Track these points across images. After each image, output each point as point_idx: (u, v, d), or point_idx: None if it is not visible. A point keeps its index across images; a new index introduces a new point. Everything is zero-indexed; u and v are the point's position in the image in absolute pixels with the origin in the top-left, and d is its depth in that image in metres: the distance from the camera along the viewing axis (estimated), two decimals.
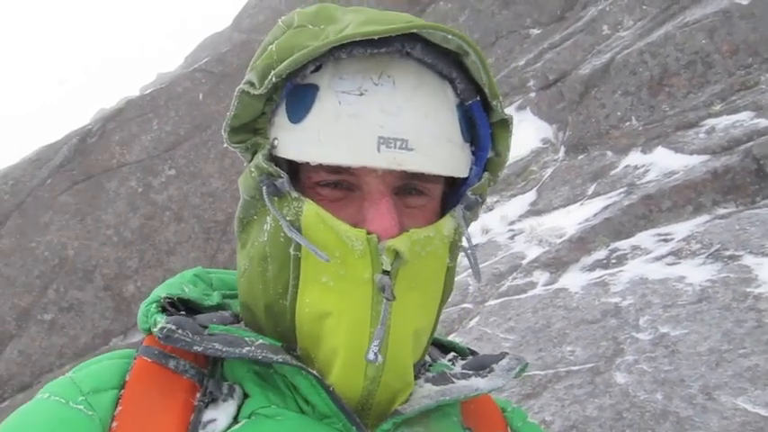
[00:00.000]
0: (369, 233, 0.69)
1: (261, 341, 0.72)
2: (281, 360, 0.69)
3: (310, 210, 0.69)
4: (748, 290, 3.04)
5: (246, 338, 0.71)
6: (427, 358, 0.86)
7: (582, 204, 4.81)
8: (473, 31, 8.68)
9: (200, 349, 0.69)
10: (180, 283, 0.82)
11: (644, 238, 3.99)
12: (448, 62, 0.73)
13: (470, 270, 0.80)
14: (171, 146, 8.59)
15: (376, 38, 0.68)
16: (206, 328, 0.73)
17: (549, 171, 5.71)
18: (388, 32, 0.67)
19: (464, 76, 0.74)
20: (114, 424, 0.68)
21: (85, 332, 7.47)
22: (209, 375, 0.73)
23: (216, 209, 8.27)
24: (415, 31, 0.69)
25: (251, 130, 0.75)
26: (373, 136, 0.68)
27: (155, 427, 0.68)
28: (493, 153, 0.78)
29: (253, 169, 0.72)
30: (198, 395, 0.71)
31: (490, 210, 5.47)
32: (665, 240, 3.84)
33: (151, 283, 7.68)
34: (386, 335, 0.69)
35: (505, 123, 0.77)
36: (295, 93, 0.72)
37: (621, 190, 4.66)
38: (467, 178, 0.77)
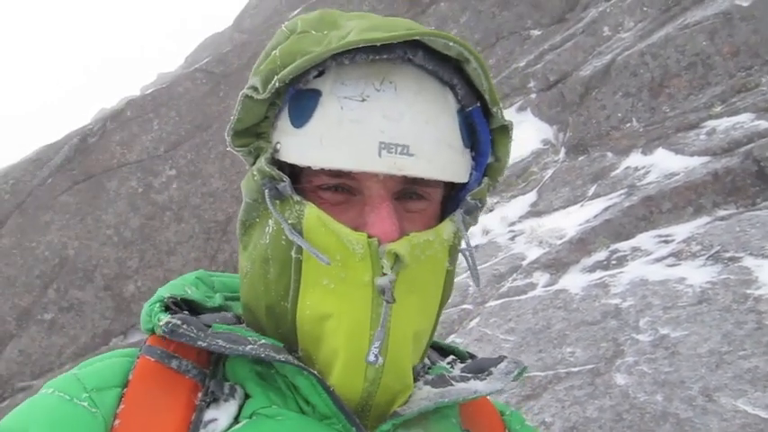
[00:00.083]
0: (369, 237, 0.70)
1: (263, 341, 0.73)
2: (282, 359, 0.70)
3: (312, 213, 0.70)
4: (748, 291, 3.04)
5: (249, 338, 0.72)
6: (426, 361, 0.86)
7: (582, 206, 4.81)
8: (474, 32, 8.68)
9: (204, 345, 0.70)
10: (182, 285, 0.83)
11: (644, 239, 3.99)
12: (449, 69, 0.74)
13: (470, 271, 0.81)
14: (171, 146, 8.60)
15: (378, 44, 0.68)
16: (209, 327, 0.74)
17: (550, 172, 5.71)
18: (390, 39, 0.68)
19: (465, 83, 0.75)
20: (117, 422, 0.68)
21: (85, 332, 7.47)
22: (211, 375, 0.74)
23: (216, 209, 8.27)
24: (416, 37, 0.70)
25: (254, 134, 0.75)
26: (375, 141, 0.69)
27: (157, 425, 0.68)
28: (493, 158, 0.79)
29: (255, 173, 0.73)
30: (200, 395, 0.72)
31: (490, 211, 5.47)
32: (666, 242, 3.84)
33: (151, 283, 7.68)
34: (386, 337, 0.70)
35: (505, 129, 0.78)
36: (298, 98, 0.73)
37: (622, 191, 4.66)
38: (467, 183, 0.78)
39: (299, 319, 0.73)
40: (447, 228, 0.75)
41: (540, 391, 2.94)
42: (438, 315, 0.80)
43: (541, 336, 3.37)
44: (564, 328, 3.36)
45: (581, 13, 7.73)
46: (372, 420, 0.74)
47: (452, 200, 0.80)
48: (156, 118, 8.78)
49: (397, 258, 0.69)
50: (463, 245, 0.78)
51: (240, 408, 0.71)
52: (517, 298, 3.90)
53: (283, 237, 0.72)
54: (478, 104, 0.76)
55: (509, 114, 6.50)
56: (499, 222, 5.24)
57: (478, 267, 0.81)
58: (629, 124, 5.62)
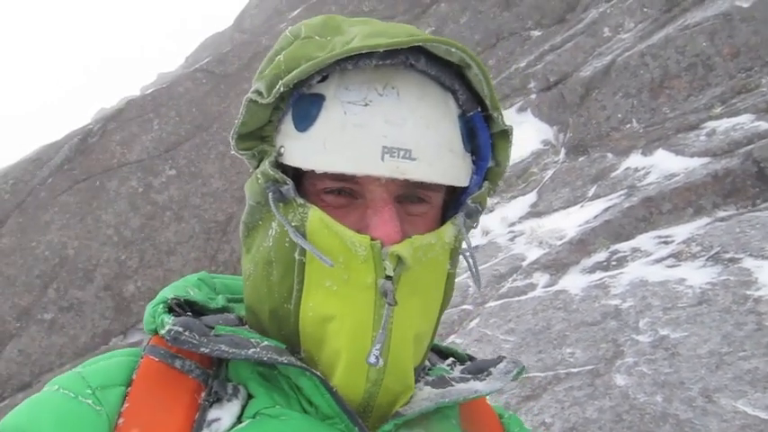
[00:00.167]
0: (372, 239, 0.70)
1: (266, 343, 0.73)
2: (285, 361, 0.71)
3: (315, 216, 0.71)
4: (748, 293, 3.04)
5: (252, 340, 0.73)
6: (427, 362, 0.87)
7: (582, 206, 4.82)
8: (474, 32, 8.68)
9: (206, 351, 0.70)
10: (184, 286, 0.83)
11: (644, 240, 3.99)
12: (450, 74, 0.75)
13: (471, 274, 0.82)
14: (171, 146, 8.60)
15: (382, 50, 0.69)
16: (212, 328, 0.75)
17: (550, 173, 5.71)
18: (393, 45, 0.69)
19: (466, 88, 0.76)
20: (121, 420, 0.69)
21: (85, 332, 7.47)
22: (214, 376, 0.75)
23: (216, 209, 8.27)
24: (419, 44, 0.71)
25: (258, 137, 0.76)
26: (377, 145, 0.70)
27: (160, 424, 0.69)
28: (493, 163, 0.80)
29: (259, 176, 0.74)
30: (203, 394, 0.72)
31: (491, 211, 5.47)
32: (666, 243, 3.85)
33: (151, 283, 7.68)
34: (387, 339, 0.71)
35: (505, 134, 0.79)
36: (301, 102, 0.74)
37: (622, 192, 4.66)
38: (467, 187, 0.79)
39: (301, 320, 0.74)
40: (448, 231, 0.76)
41: (540, 392, 2.94)
42: (439, 317, 0.81)
43: (541, 336, 3.37)
44: (564, 328, 3.36)
45: (581, 13, 7.74)
46: (374, 420, 0.74)
47: (453, 203, 0.81)
48: (156, 118, 8.78)
49: (399, 260, 0.70)
50: (465, 248, 0.79)
51: (243, 408, 0.72)
52: (517, 299, 3.90)
53: (287, 239, 0.73)
54: (479, 109, 0.77)
55: (509, 115, 6.50)
56: (499, 223, 5.24)
57: (479, 268, 0.82)
58: (629, 125, 5.62)
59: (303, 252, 0.72)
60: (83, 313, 7.54)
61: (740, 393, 2.49)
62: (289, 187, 0.72)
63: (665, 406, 2.56)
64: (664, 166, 4.70)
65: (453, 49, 0.71)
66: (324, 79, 0.73)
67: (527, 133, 6.34)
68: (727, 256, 3.39)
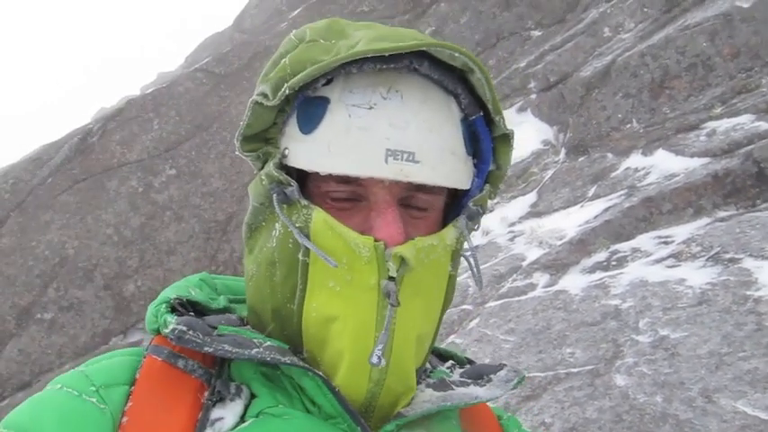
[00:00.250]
0: (376, 240, 0.71)
1: (269, 343, 0.74)
2: (288, 362, 0.71)
3: (319, 217, 0.72)
4: (748, 293, 3.04)
5: (255, 340, 0.74)
6: (428, 365, 0.88)
7: (582, 206, 4.81)
8: (474, 32, 8.68)
9: (210, 350, 0.71)
10: (186, 287, 0.84)
11: (644, 240, 3.99)
12: (453, 78, 0.76)
13: (470, 272, 0.82)
14: (171, 145, 8.59)
15: (387, 54, 0.70)
16: (215, 328, 0.76)
17: (550, 173, 5.71)
18: (398, 49, 0.70)
19: (468, 92, 0.77)
20: (124, 419, 0.69)
21: (85, 331, 7.47)
22: (217, 375, 0.76)
23: (216, 209, 8.27)
24: (423, 48, 0.72)
25: (262, 139, 0.77)
26: (381, 148, 0.71)
27: (164, 423, 0.69)
28: (494, 166, 0.81)
29: (263, 177, 0.75)
30: (206, 394, 0.73)
31: (490, 211, 5.47)
32: (666, 243, 3.85)
33: (151, 282, 7.68)
34: (390, 339, 0.72)
35: (506, 138, 0.80)
36: (306, 105, 0.74)
37: (622, 192, 4.66)
38: (468, 190, 0.79)
39: (304, 321, 0.74)
40: (450, 233, 0.77)
41: (540, 392, 2.94)
42: (440, 318, 0.82)
43: (541, 336, 3.37)
44: (564, 328, 3.36)
45: (581, 13, 7.73)
46: (376, 421, 0.75)
47: (454, 206, 0.81)
48: (156, 117, 8.78)
49: (402, 262, 0.71)
50: (467, 249, 0.80)
51: (246, 407, 0.73)
52: (517, 299, 3.90)
53: (290, 240, 0.73)
54: (481, 113, 0.78)
55: (509, 115, 6.50)
56: (499, 223, 5.24)
57: (469, 258, 0.83)
58: (629, 125, 5.62)
59: (307, 253, 0.73)
60: (83, 313, 7.54)
61: (740, 394, 2.49)
62: (293, 189, 0.73)
63: (665, 406, 2.56)
64: (664, 166, 4.70)
65: (457, 54, 0.72)
66: (328, 82, 0.73)
67: (527, 133, 6.34)
68: (728, 256, 3.39)
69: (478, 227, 0.81)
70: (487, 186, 0.80)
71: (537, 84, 6.88)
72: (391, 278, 0.71)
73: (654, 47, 5.79)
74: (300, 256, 0.73)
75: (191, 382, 0.73)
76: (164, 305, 0.77)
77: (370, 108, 0.72)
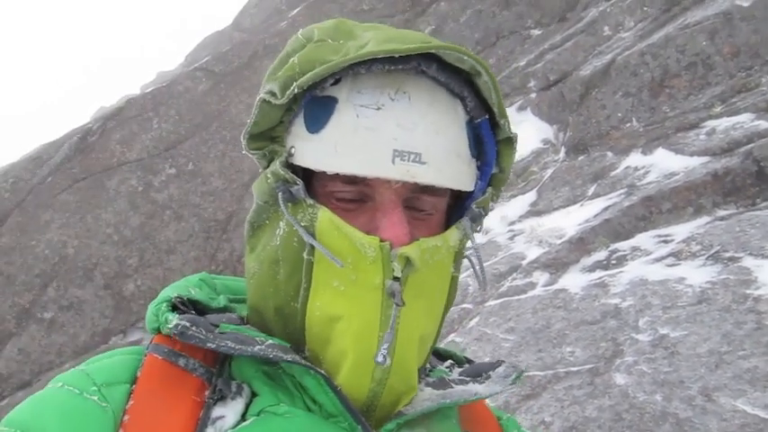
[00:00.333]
0: (381, 241, 0.72)
1: (271, 341, 0.74)
2: (290, 359, 0.71)
3: (325, 216, 0.72)
4: (748, 292, 3.04)
5: (257, 338, 0.74)
6: (427, 364, 0.89)
7: (582, 205, 4.81)
8: (474, 31, 8.68)
9: (213, 346, 0.71)
10: (186, 286, 0.84)
11: (644, 239, 3.99)
12: (460, 81, 0.76)
13: (470, 271, 0.83)
14: (171, 145, 8.59)
15: (396, 56, 0.71)
16: (217, 326, 0.76)
17: (550, 172, 5.71)
18: (408, 51, 0.71)
19: (474, 95, 0.77)
20: (126, 417, 0.69)
21: (85, 330, 7.47)
22: (218, 374, 0.76)
23: (216, 208, 8.27)
24: (432, 50, 0.72)
25: (269, 137, 0.77)
26: (388, 149, 0.71)
27: (165, 421, 0.70)
28: (497, 169, 0.81)
29: (269, 175, 0.75)
30: (207, 393, 0.73)
31: (490, 210, 5.46)
32: (665, 242, 3.85)
33: (151, 281, 7.68)
34: (393, 339, 0.72)
35: (510, 141, 0.81)
36: (314, 104, 0.75)
37: (622, 191, 4.66)
38: (472, 192, 0.80)
39: (308, 319, 0.75)
40: (454, 234, 0.78)
41: (540, 391, 2.94)
42: (442, 319, 0.82)
43: (541, 335, 3.37)
44: (563, 327, 3.36)
45: (581, 12, 7.73)
46: (377, 420, 0.75)
47: (456, 208, 0.82)
48: (155, 117, 8.78)
49: (407, 262, 0.71)
50: (472, 252, 0.81)
51: (247, 406, 0.73)
52: (517, 297, 3.90)
53: (295, 238, 0.74)
54: (486, 116, 0.79)
55: (509, 114, 6.47)
56: (499, 222, 5.24)
57: (473, 260, 0.84)
58: (628, 124, 5.62)
59: (312, 252, 0.73)
60: (82, 312, 7.54)
61: (740, 392, 2.49)
62: (299, 187, 0.73)
63: (665, 405, 2.56)
64: (663, 164, 4.70)
65: (465, 57, 0.73)
66: (336, 82, 0.73)
67: (527, 132, 6.33)
68: (727, 255, 3.39)
69: (481, 228, 0.82)
70: (490, 189, 0.81)
71: (537, 83, 6.88)
72: (396, 278, 0.71)
73: (654, 46, 5.79)
74: (305, 255, 0.73)
75: (191, 381, 0.74)
76: (164, 304, 0.77)
77: (378, 109, 0.72)
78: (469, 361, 0.94)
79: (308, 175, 0.76)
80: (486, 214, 0.81)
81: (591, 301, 3.51)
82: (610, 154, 5.36)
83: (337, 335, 0.73)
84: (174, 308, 0.78)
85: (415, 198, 0.76)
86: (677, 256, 3.61)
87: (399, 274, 0.71)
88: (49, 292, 7.56)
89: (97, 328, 7.51)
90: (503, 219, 5.25)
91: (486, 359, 3.34)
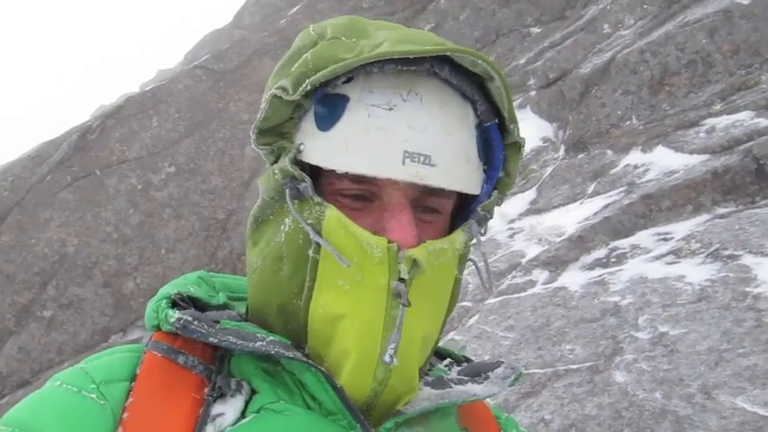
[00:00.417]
0: (389, 242, 0.72)
1: (271, 338, 0.74)
2: (291, 356, 0.71)
3: (332, 215, 0.72)
4: (747, 289, 3.04)
5: (258, 334, 0.74)
6: (426, 364, 0.88)
7: (582, 203, 4.82)
8: (474, 29, 8.67)
9: (214, 341, 0.71)
10: (185, 284, 0.84)
11: (644, 237, 4.00)
12: (471, 84, 0.76)
13: (470, 268, 0.83)
14: (171, 143, 8.59)
15: (411, 57, 0.71)
16: (217, 323, 0.76)
17: (549, 170, 5.71)
18: (424, 53, 0.71)
19: (485, 99, 0.77)
20: (125, 414, 0.69)
21: (85, 329, 7.47)
22: (217, 371, 0.76)
23: (216, 206, 8.26)
24: (448, 53, 0.72)
25: (277, 133, 0.77)
26: (399, 150, 0.71)
27: (165, 419, 0.69)
28: (503, 173, 0.81)
29: (277, 171, 0.74)
30: (206, 390, 0.73)
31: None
32: (665, 240, 3.85)
33: (151, 280, 7.68)
34: (399, 339, 0.72)
35: (517, 146, 0.80)
36: (325, 101, 0.74)
37: (621, 189, 4.66)
38: (477, 195, 0.80)
39: (311, 317, 0.74)
40: (459, 237, 0.77)
41: (540, 389, 2.94)
42: (444, 321, 0.82)
43: (541, 333, 3.37)
44: (563, 325, 3.36)
45: (581, 10, 7.72)
46: (376, 418, 0.75)
47: (461, 211, 0.82)
48: (155, 115, 8.77)
49: (414, 264, 0.71)
50: (479, 257, 0.82)
51: (246, 403, 0.73)
52: (516, 295, 3.91)
53: (300, 236, 0.74)
54: (496, 121, 0.79)
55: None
56: (499, 219, 5.24)
57: (480, 266, 0.84)
58: (628, 122, 5.62)
59: (317, 250, 0.73)
60: (82, 310, 7.54)
61: (739, 390, 2.49)
62: (307, 185, 0.73)
63: (665, 402, 2.56)
64: (663, 162, 4.70)
65: (480, 61, 0.73)
66: (348, 80, 0.73)
67: (526, 130, 6.32)
68: (727, 253, 3.39)
69: (485, 232, 0.81)
70: (495, 193, 0.81)
71: (536, 81, 6.87)
72: (401, 279, 0.71)
73: (653, 43, 5.79)
74: (311, 253, 0.73)
75: (191, 378, 0.74)
76: (164, 301, 0.77)
77: (390, 109, 0.72)
78: (468, 360, 0.94)
79: (315, 173, 0.75)
80: (490, 218, 0.81)
81: (590, 298, 3.51)
82: (609, 152, 5.36)
83: (340, 334, 0.73)
84: (174, 305, 0.78)
85: (421, 199, 0.75)
86: (677, 253, 3.61)
87: (406, 276, 0.71)
88: (48, 291, 7.56)
89: (97, 327, 7.51)
90: (502, 216, 5.25)
91: (486, 357, 3.35)
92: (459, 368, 0.90)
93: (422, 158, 0.71)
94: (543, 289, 3.87)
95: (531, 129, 6.40)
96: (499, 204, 0.82)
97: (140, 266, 7.82)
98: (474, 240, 0.79)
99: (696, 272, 3.35)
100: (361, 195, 0.75)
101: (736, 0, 5.58)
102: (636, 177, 4.73)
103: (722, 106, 5.00)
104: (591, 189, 4.96)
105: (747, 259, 3.27)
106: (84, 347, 7.28)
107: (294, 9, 10.41)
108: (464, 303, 4.09)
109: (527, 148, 6.28)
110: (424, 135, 0.72)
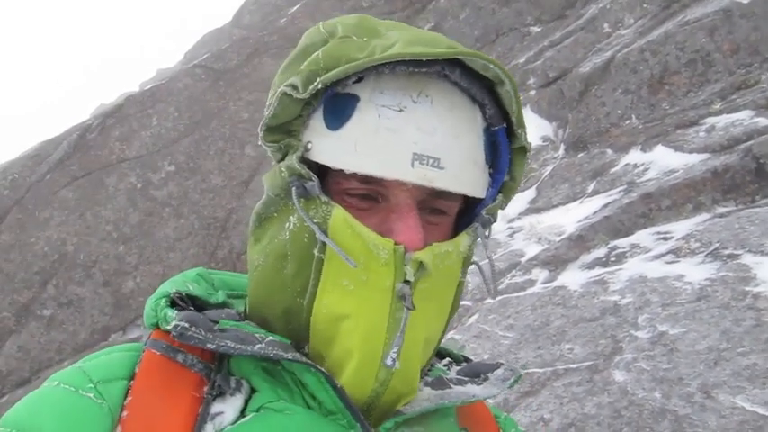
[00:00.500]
0: (396, 243, 0.71)
1: (271, 338, 0.74)
2: (290, 357, 0.71)
3: (339, 215, 0.72)
4: (747, 288, 3.04)
5: (257, 335, 0.74)
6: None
7: (581, 202, 4.82)
8: (473, 28, 8.67)
9: (212, 347, 0.71)
10: (183, 281, 0.84)
11: (643, 236, 4.00)
12: (481, 88, 0.77)
13: (471, 267, 0.83)
14: (170, 142, 8.59)
15: (424, 59, 0.71)
16: (216, 323, 0.75)
17: (549, 169, 5.71)
18: (435, 55, 0.71)
19: (494, 103, 0.78)
20: (124, 413, 0.69)
21: (84, 328, 7.47)
22: (216, 370, 0.75)
23: (215, 205, 8.26)
24: (460, 57, 0.72)
25: (285, 131, 0.76)
26: (408, 152, 0.71)
27: (164, 417, 0.69)
28: (508, 177, 0.82)
29: (284, 169, 0.74)
30: (206, 388, 0.73)
31: None
32: (665, 239, 3.85)
33: (150, 279, 7.68)
34: (403, 342, 0.72)
35: (524, 151, 0.81)
36: (335, 100, 0.74)
37: (621, 188, 4.66)
38: (482, 198, 0.80)
39: (314, 316, 0.74)
40: (464, 240, 0.78)
41: (539, 388, 2.95)
42: (447, 323, 0.82)
43: (540, 332, 3.37)
44: (563, 324, 3.36)
45: (581, 9, 7.72)
46: (375, 418, 0.75)
47: (465, 213, 0.82)
48: (155, 114, 8.77)
49: (420, 266, 0.71)
50: (486, 262, 0.82)
51: (246, 402, 0.73)
52: (516, 294, 3.91)
53: (305, 234, 0.73)
54: (504, 125, 0.79)
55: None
56: (498, 219, 5.23)
57: (481, 265, 0.84)
58: (628, 121, 5.62)
59: (322, 249, 0.72)
60: (82, 309, 7.54)
61: (739, 389, 2.49)
62: (314, 184, 0.72)
63: (664, 402, 2.56)
64: (663, 162, 4.70)
65: (491, 65, 0.73)
66: (359, 80, 0.73)
67: (526, 129, 6.32)
68: (726, 252, 3.39)
69: (490, 235, 0.82)
70: (500, 196, 0.81)
71: (536, 80, 6.87)
72: (406, 282, 0.71)
73: (653, 43, 5.79)
74: (316, 252, 0.73)
75: (190, 377, 0.73)
76: (163, 299, 0.77)
77: (400, 110, 0.72)
78: (467, 359, 0.94)
79: (321, 171, 0.75)
80: (495, 221, 0.81)
81: (590, 298, 3.51)
82: (609, 151, 5.36)
83: (343, 334, 0.73)
84: (173, 303, 0.77)
85: (428, 201, 0.75)
86: (676, 253, 3.61)
87: (411, 278, 0.71)
88: (48, 290, 7.57)
89: (96, 326, 7.51)
90: (502, 216, 5.24)
91: (486, 356, 3.35)
92: (458, 368, 0.90)
93: (431, 161, 0.71)
94: (543, 288, 3.87)
95: (531, 128, 6.38)
96: (503, 208, 0.82)
97: (140, 265, 7.82)
98: (480, 242, 0.79)
99: (696, 271, 3.35)
100: (367, 195, 0.74)
101: None
102: (636, 176, 4.73)
103: (722, 105, 5.00)
104: (591, 188, 4.96)
105: (747, 258, 3.27)
106: (83, 346, 7.28)
107: (294, 8, 10.40)
108: (464, 302, 4.09)
109: None
110: (433, 138, 0.72)
